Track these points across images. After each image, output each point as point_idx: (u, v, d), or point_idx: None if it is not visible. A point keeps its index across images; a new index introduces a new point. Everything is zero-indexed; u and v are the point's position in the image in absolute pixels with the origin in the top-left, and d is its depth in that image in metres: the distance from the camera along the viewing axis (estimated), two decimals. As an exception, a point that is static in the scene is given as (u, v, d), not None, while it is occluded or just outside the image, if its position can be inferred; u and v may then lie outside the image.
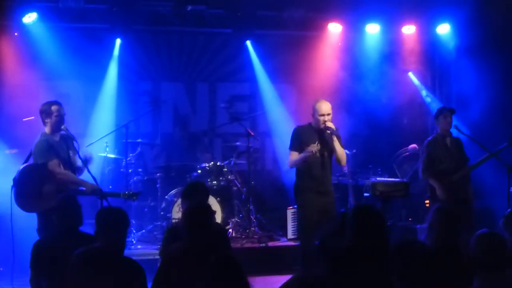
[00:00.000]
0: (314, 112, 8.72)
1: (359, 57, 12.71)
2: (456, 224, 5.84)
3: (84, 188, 8.23)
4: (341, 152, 8.75)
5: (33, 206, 8.18)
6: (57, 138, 8.43)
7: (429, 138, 9.87)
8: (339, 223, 6.02)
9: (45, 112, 8.39)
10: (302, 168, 8.83)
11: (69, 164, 8.44)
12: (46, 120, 8.39)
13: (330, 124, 8.62)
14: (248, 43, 12.74)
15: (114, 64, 12.13)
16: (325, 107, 8.69)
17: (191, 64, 12.84)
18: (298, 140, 8.81)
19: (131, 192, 8.66)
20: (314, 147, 8.58)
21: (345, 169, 11.36)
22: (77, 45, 11.54)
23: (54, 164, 8.18)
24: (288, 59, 12.61)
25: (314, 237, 7.82)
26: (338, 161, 8.89)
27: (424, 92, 12.96)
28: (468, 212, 9.40)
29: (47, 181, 8.20)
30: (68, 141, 8.49)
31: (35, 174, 8.24)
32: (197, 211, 5.93)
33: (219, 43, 12.83)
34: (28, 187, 8.16)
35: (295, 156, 8.79)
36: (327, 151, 8.75)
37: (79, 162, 8.52)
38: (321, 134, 8.74)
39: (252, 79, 12.94)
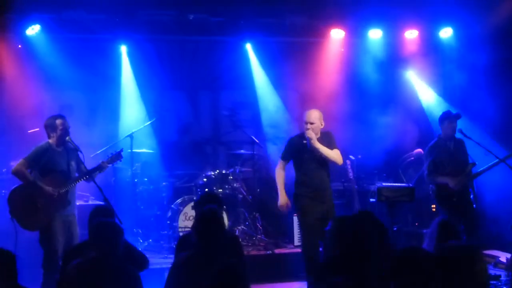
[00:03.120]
0: (303, 120, 9.06)
1: (362, 63, 12.65)
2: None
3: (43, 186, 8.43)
4: (331, 154, 8.90)
5: (35, 223, 8.43)
6: (60, 149, 8.67)
7: (431, 143, 9.96)
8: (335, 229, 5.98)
9: (50, 126, 8.68)
10: (299, 176, 9.09)
11: (67, 175, 8.64)
12: (51, 134, 8.68)
13: (308, 133, 8.88)
14: (249, 48, 12.68)
15: (127, 71, 12.22)
16: (308, 115, 8.99)
17: (194, 72, 12.77)
18: (290, 151, 9.15)
19: (112, 156, 8.94)
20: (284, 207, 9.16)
21: (351, 174, 11.43)
22: (80, 55, 11.57)
23: (20, 163, 8.48)
24: (291, 66, 12.60)
25: (316, 244, 8.76)
26: (334, 162, 9.04)
27: (423, 91, 13.02)
28: (471, 215, 9.64)
29: (38, 195, 8.41)
30: (72, 153, 8.73)
31: (26, 191, 8.46)
32: (208, 217, 5.97)
33: (221, 51, 12.68)
34: (23, 206, 8.41)
35: (283, 166, 9.18)
36: (320, 157, 8.93)
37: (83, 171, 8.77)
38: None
39: (254, 86, 12.90)
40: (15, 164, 8.66)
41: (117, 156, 9.01)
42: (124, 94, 12.26)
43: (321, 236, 8.32)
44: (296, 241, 11.24)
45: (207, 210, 6.11)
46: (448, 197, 9.63)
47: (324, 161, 8.97)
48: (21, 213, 8.41)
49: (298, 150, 9.02)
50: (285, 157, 9.18)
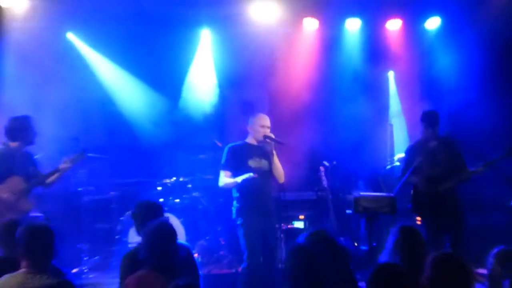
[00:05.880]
0: (253, 124, 8.85)
1: (337, 57, 12.25)
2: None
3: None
4: (279, 168, 8.80)
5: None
6: (19, 153, 8.50)
7: (410, 145, 9.80)
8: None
9: (20, 129, 8.45)
10: (246, 185, 8.59)
11: (26, 179, 8.48)
12: (18, 136, 8.47)
13: (270, 134, 8.79)
14: (208, 37, 12.13)
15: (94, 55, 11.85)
16: (265, 119, 8.89)
17: (152, 68, 11.92)
18: (234, 159, 8.82)
19: (75, 155, 8.75)
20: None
21: (325, 183, 11.01)
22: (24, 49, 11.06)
23: None
24: (257, 61, 11.83)
25: (259, 260, 8.65)
26: (276, 177, 8.87)
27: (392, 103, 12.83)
28: (457, 227, 9.07)
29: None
30: (29, 156, 8.62)
31: None
32: (160, 233, 5.74)
33: (181, 45, 11.95)
34: None
35: (228, 176, 8.76)
36: (269, 166, 8.80)
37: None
38: (259, 149, 8.85)
39: (219, 85, 12.39)
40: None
41: (81, 154, 8.84)
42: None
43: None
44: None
45: (159, 224, 5.82)
46: (421, 206, 9.25)
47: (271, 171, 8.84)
48: None
49: (244, 158, 8.73)
50: (230, 166, 8.79)
